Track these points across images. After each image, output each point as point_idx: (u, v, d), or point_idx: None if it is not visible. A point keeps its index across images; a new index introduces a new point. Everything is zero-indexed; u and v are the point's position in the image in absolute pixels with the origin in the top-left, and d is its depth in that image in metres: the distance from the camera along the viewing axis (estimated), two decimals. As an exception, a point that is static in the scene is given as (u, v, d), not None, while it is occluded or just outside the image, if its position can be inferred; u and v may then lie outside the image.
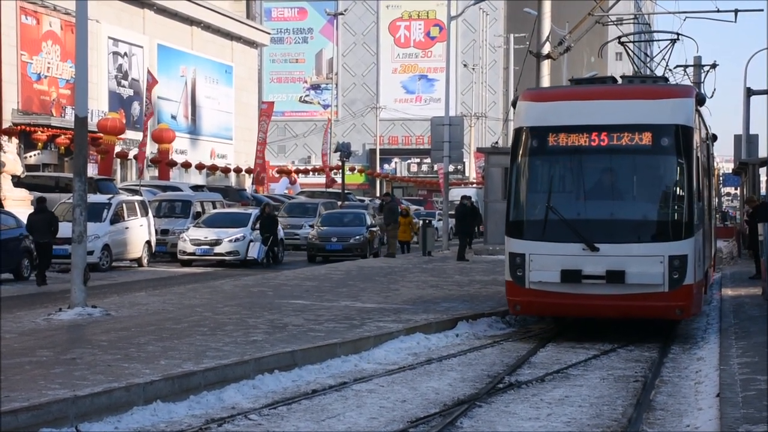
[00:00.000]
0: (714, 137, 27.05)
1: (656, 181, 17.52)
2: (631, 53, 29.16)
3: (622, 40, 28.96)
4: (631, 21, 42.13)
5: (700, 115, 19.10)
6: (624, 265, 16.66)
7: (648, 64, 33.45)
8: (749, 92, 50.23)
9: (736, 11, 35.31)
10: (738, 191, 50.76)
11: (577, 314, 17.87)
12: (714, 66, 50.54)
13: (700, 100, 18.23)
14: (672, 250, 16.68)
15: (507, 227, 17.71)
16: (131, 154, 52.63)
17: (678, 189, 17.16)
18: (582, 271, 16.76)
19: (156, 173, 54.95)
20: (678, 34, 28.92)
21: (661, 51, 30.04)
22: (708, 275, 21.51)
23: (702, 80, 48.39)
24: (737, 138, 50.77)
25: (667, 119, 17.20)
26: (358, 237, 38.22)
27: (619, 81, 20.03)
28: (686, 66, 52.01)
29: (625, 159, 17.33)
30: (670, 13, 38.26)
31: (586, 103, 17.87)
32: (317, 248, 37.61)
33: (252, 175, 64.09)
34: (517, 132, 17.89)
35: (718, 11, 35.46)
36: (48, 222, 26.15)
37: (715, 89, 48.82)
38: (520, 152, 17.68)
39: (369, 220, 39.86)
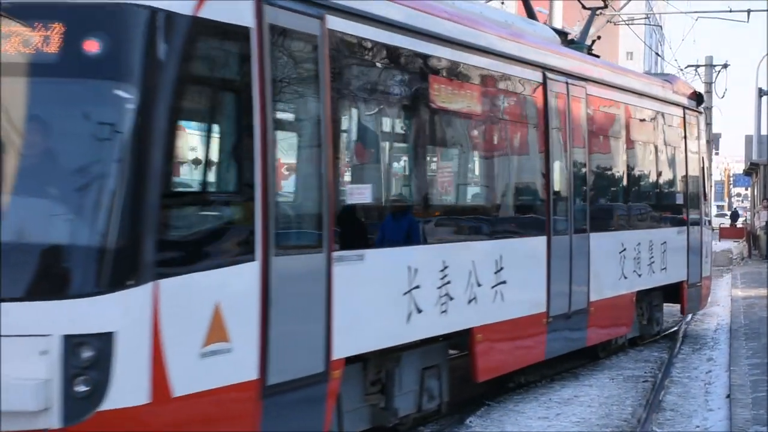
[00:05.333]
0: (698, 96, 18.88)
1: (100, 149, 6.98)
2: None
3: None
4: (643, 21, 42.14)
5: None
6: None
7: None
8: (761, 93, 50.20)
9: (749, 11, 35.33)
10: (749, 192, 50.66)
11: None
12: (725, 66, 50.56)
13: None
14: (74, 322, 6.67)
15: None
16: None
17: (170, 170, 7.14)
18: None
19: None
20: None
21: None
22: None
23: (713, 80, 48.44)
24: (748, 138, 50.85)
25: None
26: None
27: None
28: (697, 66, 52.06)
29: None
30: (682, 12, 38.24)
31: None
32: None
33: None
34: None
35: (731, 11, 35.49)
36: None
37: (726, 89, 48.79)
38: None
39: None
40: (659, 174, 16.67)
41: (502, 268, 11.16)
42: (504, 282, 11.17)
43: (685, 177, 17.57)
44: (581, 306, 13.11)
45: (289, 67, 8.23)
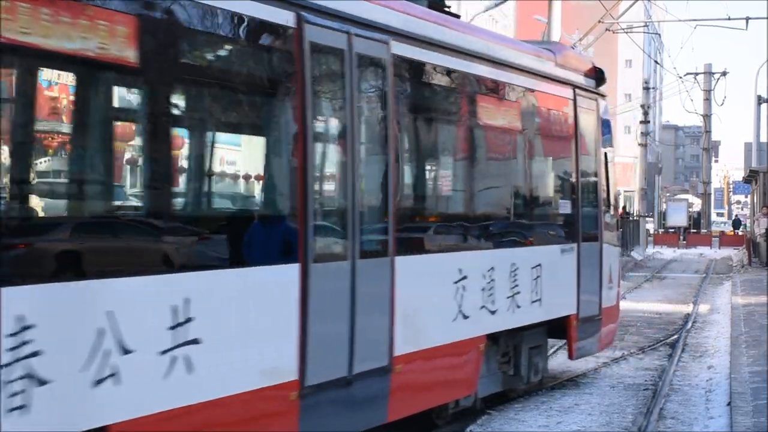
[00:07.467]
0: (598, 74, 13.92)
1: None
2: None
3: None
4: (642, 29, 42.18)
5: None
6: None
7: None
8: (760, 100, 50.30)
9: (747, 19, 35.42)
10: (748, 199, 50.75)
11: None
12: (724, 74, 50.62)
13: None
14: None
15: None
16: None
17: None
18: None
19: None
20: None
21: None
22: None
23: (713, 88, 48.45)
24: (747, 146, 50.95)
25: None
26: None
27: None
28: (696, 73, 52.13)
29: None
30: (680, 20, 38.30)
31: None
32: None
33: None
34: None
35: (729, 19, 35.59)
36: None
37: (725, 97, 49.09)
38: None
39: None
40: (531, 174, 12.25)
41: (189, 320, 6.67)
42: (195, 341, 6.71)
43: (576, 179, 13.19)
44: (378, 364, 8.82)
45: None
